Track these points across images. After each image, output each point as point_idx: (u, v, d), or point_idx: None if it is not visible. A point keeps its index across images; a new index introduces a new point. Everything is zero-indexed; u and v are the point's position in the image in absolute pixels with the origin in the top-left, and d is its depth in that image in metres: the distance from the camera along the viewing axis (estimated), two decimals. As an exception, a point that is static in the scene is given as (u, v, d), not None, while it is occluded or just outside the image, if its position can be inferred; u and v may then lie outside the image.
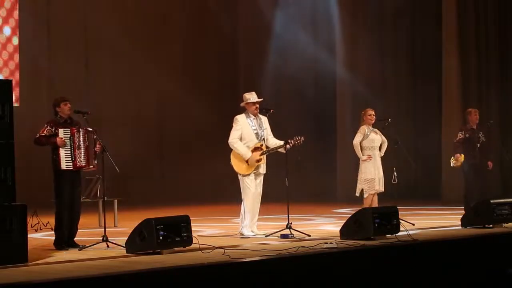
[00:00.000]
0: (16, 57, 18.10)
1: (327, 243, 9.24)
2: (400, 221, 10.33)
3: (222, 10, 21.76)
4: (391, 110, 18.35)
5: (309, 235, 10.48)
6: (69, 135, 9.67)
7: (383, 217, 10.05)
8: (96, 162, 9.87)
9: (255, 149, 10.87)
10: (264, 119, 11.07)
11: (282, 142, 10.90)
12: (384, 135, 12.33)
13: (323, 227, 12.39)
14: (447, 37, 19.16)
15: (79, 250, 9.51)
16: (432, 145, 19.49)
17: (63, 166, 9.60)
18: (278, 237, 10.49)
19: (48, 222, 11.89)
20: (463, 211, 12.71)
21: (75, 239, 9.84)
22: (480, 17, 19.16)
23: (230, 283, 7.70)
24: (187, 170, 20.13)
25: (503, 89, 19.00)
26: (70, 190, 9.71)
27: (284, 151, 10.88)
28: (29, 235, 8.59)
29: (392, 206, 10.46)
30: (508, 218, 11.49)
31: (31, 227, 11.81)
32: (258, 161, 10.83)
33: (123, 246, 9.17)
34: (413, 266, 9.07)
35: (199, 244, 9.06)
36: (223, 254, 8.56)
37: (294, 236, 10.44)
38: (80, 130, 9.74)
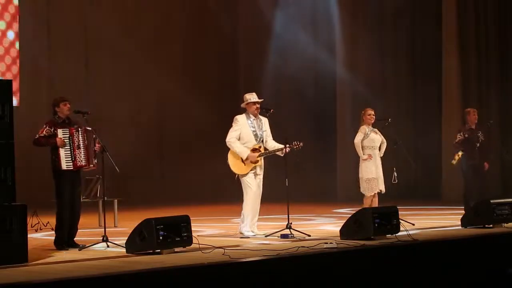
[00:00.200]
0: (13, 51, 18.09)
1: (327, 243, 9.24)
2: (400, 221, 10.33)
3: (222, 10, 21.77)
4: (391, 110, 18.36)
5: (309, 235, 10.48)
6: (68, 135, 9.67)
7: (383, 217, 10.05)
8: (96, 161, 9.87)
9: (253, 150, 10.86)
10: (265, 121, 11.05)
11: (280, 146, 10.88)
12: (383, 135, 12.34)
13: (323, 227, 12.39)
14: (447, 37, 19.16)
15: (79, 250, 9.51)
16: (432, 145, 19.50)
17: (64, 166, 9.60)
18: (278, 237, 10.49)
19: (48, 222, 11.89)
20: (463, 211, 12.71)
21: (75, 239, 9.84)
22: (480, 17, 19.16)
23: (230, 283, 7.70)
24: (187, 170, 20.14)
25: (503, 89, 19.01)
26: (70, 190, 9.71)
27: (282, 155, 10.87)
28: (29, 235, 8.59)
29: (392, 206, 10.46)
30: (508, 218, 11.49)
31: (31, 227, 11.81)
32: (255, 162, 10.82)
33: (123, 246, 9.17)
34: (413, 266, 9.07)
35: (199, 244, 9.06)
36: (223, 254, 8.56)
37: (294, 236, 10.44)
38: (79, 129, 9.74)
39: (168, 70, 20.30)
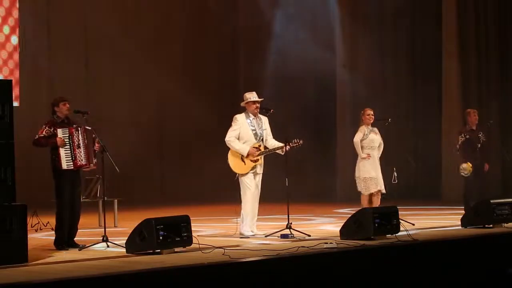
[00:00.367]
0: (16, 56, 18.10)
1: (327, 243, 9.25)
2: (400, 221, 10.33)
3: (222, 10, 21.77)
4: (391, 110, 18.35)
5: (309, 235, 10.48)
6: (67, 135, 9.67)
7: (383, 217, 10.06)
8: (96, 160, 9.87)
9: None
10: (265, 120, 11.06)
11: (280, 144, 10.89)
12: (382, 135, 12.35)
13: (323, 227, 12.39)
14: (447, 37, 19.16)
15: (79, 250, 9.51)
16: (432, 145, 19.50)
17: (64, 165, 9.60)
18: (278, 237, 10.49)
19: (48, 222, 11.88)
20: (463, 211, 12.71)
21: (75, 239, 9.84)
22: (480, 17, 19.16)
23: (230, 283, 7.70)
24: (187, 170, 20.14)
25: (503, 89, 19.00)
26: (70, 190, 9.71)
27: (282, 153, 10.87)
28: (29, 235, 8.59)
29: (392, 206, 10.46)
30: (508, 218, 11.50)
31: (31, 227, 11.81)
32: (256, 161, 10.82)
33: (123, 246, 9.16)
34: (413, 266, 9.07)
35: (199, 244, 9.06)
36: (223, 254, 8.56)
37: (294, 236, 10.44)
38: (79, 129, 9.74)
39: (168, 70, 20.30)
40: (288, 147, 10.80)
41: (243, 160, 10.82)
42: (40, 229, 12.26)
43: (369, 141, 12.11)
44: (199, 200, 18.73)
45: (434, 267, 9.10)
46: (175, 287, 7.41)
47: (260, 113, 11.02)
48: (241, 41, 22.31)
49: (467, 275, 9.17)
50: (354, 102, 19.48)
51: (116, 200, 13.31)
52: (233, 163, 10.90)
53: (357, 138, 12.12)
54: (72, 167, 9.65)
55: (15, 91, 17.58)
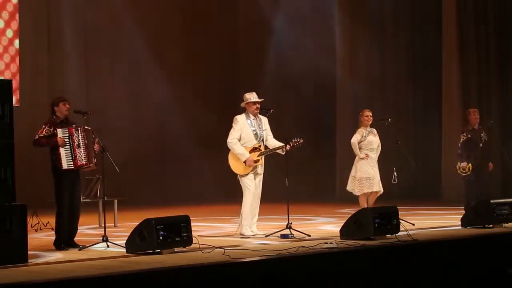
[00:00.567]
0: (18, 59, 18.11)
1: (327, 243, 9.25)
2: (400, 221, 10.33)
3: (222, 10, 21.77)
4: (391, 111, 18.35)
5: (309, 235, 10.48)
6: (67, 135, 9.66)
7: (383, 217, 10.06)
8: (95, 160, 9.87)
9: (253, 150, 10.86)
10: (264, 120, 11.06)
11: (281, 144, 10.90)
12: (382, 136, 12.35)
13: (323, 227, 12.39)
14: (447, 38, 19.15)
15: (79, 250, 9.51)
16: (432, 145, 19.50)
17: (65, 165, 9.59)
18: (278, 237, 10.49)
19: (48, 222, 11.89)
20: (463, 211, 12.71)
21: (75, 239, 9.83)
22: (480, 17, 19.15)
23: (230, 283, 7.70)
24: (187, 170, 20.14)
25: (503, 89, 19.00)
26: (70, 190, 9.71)
27: (283, 153, 10.88)
28: (29, 235, 8.59)
29: (392, 206, 10.46)
30: (508, 218, 11.49)
31: (31, 227, 11.81)
32: (256, 161, 10.83)
33: (123, 246, 9.16)
34: (413, 266, 9.07)
35: (199, 244, 9.06)
36: (223, 254, 8.56)
37: (294, 236, 10.44)
38: (79, 129, 9.74)
39: (168, 70, 20.29)
40: (289, 146, 10.80)
41: (244, 162, 10.83)
42: (40, 229, 12.26)
43: (368, 143, 12.12)
44: (199, 200, 18.73)
45: (434, 267, 9.10)
46: (175, 287, 7.41)
47: (260, 113, 11.02)
48: (241, 41, 22.30)
49: (467, 275, 9.17)
50: (354, 102, 19.49)
51: (116, 200, 13.30)
52: (234, 164, 10.90)
53: (355, 139, 12.14)
54: (73, 167, 9.65)
55: (16, 93, 17.57)
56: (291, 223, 10.71)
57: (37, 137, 9.66)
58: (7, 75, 17.74)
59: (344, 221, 10.40)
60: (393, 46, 20.54)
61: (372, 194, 12.19)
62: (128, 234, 9.20)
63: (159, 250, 8.86)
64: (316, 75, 20.58)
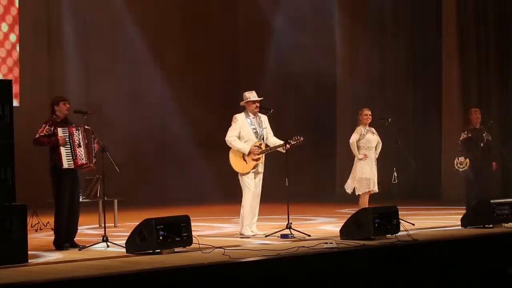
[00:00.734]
0: (14, 54, 18.11)
1: (327, 243, 9.25)
2: (400, 221, 10.33)
3: (222, 10, 21.76)
4: (391, 110, 18.34)
5: (309, 235, 10.48)
6: (67, 134, 9.66)
7: (383, 217, 10.06)
8: (95, 160, 9.87)
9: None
10: (264, 118, 11.06)
11: (281, 142, 10.90)
12: (382, 135, 12.35)
13: (323, 227, 12.39)
14: (447, 38, 19.15)
15: (79, 250, 9.51)
16: (432, 145, 19.50)
17: (65, 165, 9.59)
18: (278, 237, 10.49)
19: (48, 222, 11.88)
20: (463, 211, 12.71)
21: (75, 239, 9.83)
22: (480, 17, 19.15)
23: (230, 283, 7.70)
24: (187, 170, 20.13)
25: (503, 89, 18.99)
26: (70, 189, 9.71)
27: (284, 151, 10.88)
28: (29, 235, 8.59)
29: (392, 206, 10.46)
30: (508, 218, 11.49)
31: (31, 227, 11.81)
32: (257, 159, 10.82)
33: (123, 246, 9.16)
34: (413, 266, 9.07)
35: (199, 244, 9.06)
36: (223, 254, 8.56)
37: (294, 236, 10.44)
38: (79, 128, 9.74)
39: (169, 70, 20.30)
40: (289, 144, 10.80)
41: (244, 160, 10.82)
42: (40, 229, 12.26)
43: (366, 141, 12.12)
44: (199, 200, 18.73)
45: (434, 267, 9.10)
46: (175, 287, 7.41)
47: (260, 112, 11.02)
48: (241, 41, 22.30)
49: (467, 275, 9.17)
50: (354, 102, 19.47)
51: (116, 200, 13.30)
52: (235, 162, 10.89)
53: (353, 139, 12.14)
54: (73, 166, 9.65)
55: (15, 90, 17.57)
56: (291, 223, 10.71)
57: (37, 136, 9.65)
58: (3, 70, 17.80)
59: (344, 221, 10.40)
60: (393, 46, 20.54)
61: (366, 194, 12.18)
62: (128, 234, 9.20)
63: (159, 250, 8.86)
64: (316, 75, 20.57)
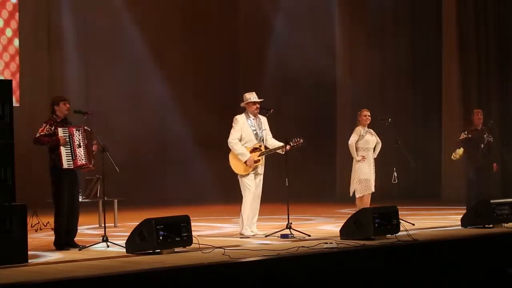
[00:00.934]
0: (17, 59, 18.13)
1: (327, 243, 9.24)
2: (400, 221, 10.33)
3: (222, 10, 21.76)
4: (391, 110, 18.34)
5: (309, 235, 10.48)
6: (68, 134, 9.66)
7: (383, 217, 10.06)
8: (94, 161, 9.87)
9: (254, 150, 10.87)
10: (264, 120, 11.06)
11: (281, 144, 10.90)
12: (382, 135, 12.34)
13: (323, 227, 12.39)
14: (447, 37, 19.15)
15: (79, 250, 9.51)
16: (432, 145, 19.50)
17: (65, 165, 9.59)
18: (278, 237, 10.49)
19: (48, 222, 11.89)
20: (463, 211, 12.71)
21: (75, 239, 9.83)
22: (480, 17, 19.15)
23: (230, 283, 7.70)
24: (187, 170, 20.13)
25: (503, 89, 19.00)
26: (69, 189, 9.70)
27: (282, 153, 10.88)
28: (29, 235, 8.59)
29: (392, 206, 10.46)
30: (508, 218, 11.50)
31: (31, 227, 11.81)
32: (257, 161, 10.83)
33: (123, 246, 9.16)
34: (413, 266, 9.07)
35: (199, 244, 9.06)
36: (223, 254, 8.56)
37: (294, 236, 10.44)
38: (79, 129, 9.74)
39: (168, 70, 20.30)
40: (289, 146, 10.80)
41: (244, 162, 10.82)
42: (40, 229, 12.26)
43: (365, 142, 12.11)
44: (199, 200, 18.73)
45: (434, 267, 9.10)
46: (175, 287, 7.41)
47: (260, 113, 11.03)
48: (241, 41, 22.31)
49: (467, 275, 9.17)
50: (354, 102, 19.47)
51: (116, 200, 13.30)
52: (235, 164, 10.90)
53: (352, 140, 12.12)
54: (72, 166, 9.64)
55: (16, 93, 17.58)
56: (291, 223, 10.71)
57: (38, 135, 9.65)
58: (6, 75, 17.77)
59: (344, 221, 10.40)
60: (393, 46, 20.54)
61: (368, 195, 12.17)
62: (128, 234, 9.20)
63: (159, 250, 8.86)
64: (316, 75, 20.58)
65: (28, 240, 8.46)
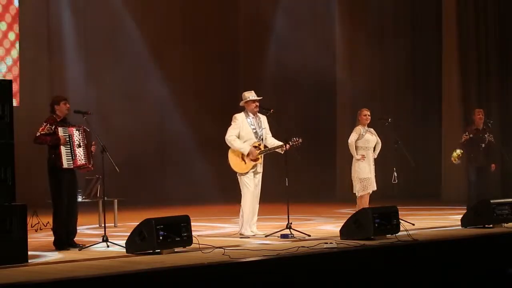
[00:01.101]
0: (14, 52, 18.12)
1: (327, 243, 9.25)
2: (400, 221, 10.33)
3: (222, 10, 21.77)
4: (391, 110, 18.35)
5: (309, 235, 10.48)
6: (67, 134, 9.66)
7: (383, 217, 10.06)
8: (93, 162, 9.87)
9: (253, 148, 10.87)
10: (264, 118, 11.05)
11: (280, 143, 10.89)
12: (382, 135, 12.34)
13: (323, 227, 12.39)
14: (447, 37, 19.15)
15: (79, 250, 9.51)
16: (432, 145, 19.50)
17: (65, 164, 9.58)
18: (278, 237, 10.49)
19: (48, 222, 11.86)
20: (463, 211, 12.71)
21: (75, 239, 9.83)
22: (480, 17, 19.15)
23: (230, 283, 7.70)
24: (187, 170, 20.13)
25: (503, 89, 19.00)
26: (68, 189, 9.70)
27: (282, 152, 10.88)
28: (29, 235, 8.59)
29: (392, 206, 10.46)
30: (508, 218, 11.50)
31: (31, 227, 11.82)
32: (256, 160, 10.82)
33: (123, 246, 9.16)
34: (413, 266, 9.07)
35: (199, 244, 9.06)
36: (223, 254, 8.56)
37: (294, 236, 10.44)
38: (79, 129, 9.75)
39: (169, 70, 20.30)
40: (288, 146, 10.80)
41: (243, 160, 10.82)
42: (40, 229, 12.26)
43: (364, 141, 12.11)
44: (199, 200, 18.73)
45: (434, 267, 9.10)
46: (175, 287, 7.41)
47: (260, 112, 11.02)
48: (241, 41, 22.31)
49: (467, 275, 9.17)
50: (354, 102, 19.47)
51: (116, 200, 13.31)
52: (234, 162, 10.89)
53: (351, 139, 12.12)
54: (72, 166, 9.64)
55: (14, 89, 17.58)
56: (291, 223, 10.71)
57: (38, 134, 9.65)
58: (2, 69, 17.80)
59: (344, 221, 10.40)
60: (393, 46, 20.53)
61: (368, 194, 12.18)
62: (128, 234, 9.20)
63: (159, 250, 8.86)
64: (316, 75, 20.58)
65: (28, 240, 8.46)
